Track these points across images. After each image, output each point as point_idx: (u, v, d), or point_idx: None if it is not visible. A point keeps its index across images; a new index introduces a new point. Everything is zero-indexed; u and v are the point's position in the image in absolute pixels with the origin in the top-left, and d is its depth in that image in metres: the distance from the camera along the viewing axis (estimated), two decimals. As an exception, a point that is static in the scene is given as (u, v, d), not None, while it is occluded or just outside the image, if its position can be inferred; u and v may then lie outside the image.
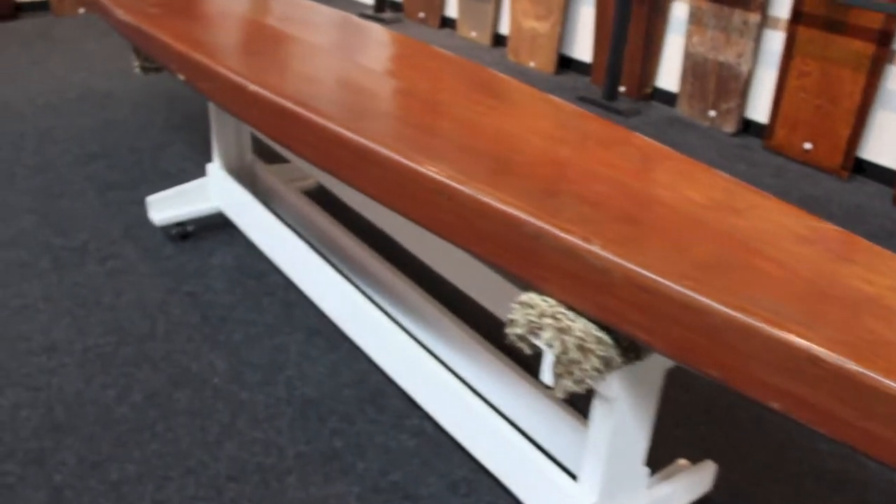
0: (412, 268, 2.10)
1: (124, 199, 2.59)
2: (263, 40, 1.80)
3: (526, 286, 1.13)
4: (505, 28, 4.43)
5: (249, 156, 2.41)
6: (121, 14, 1.98)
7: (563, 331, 1.07)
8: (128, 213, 2.51)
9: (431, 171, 1.16)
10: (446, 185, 1.14)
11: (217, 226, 2.45)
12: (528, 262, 1.09)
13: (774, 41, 3.36)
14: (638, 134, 1.43)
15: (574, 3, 4.04)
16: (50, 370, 1.82)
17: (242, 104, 1.50)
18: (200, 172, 2.75)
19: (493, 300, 1.82)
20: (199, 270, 2.22)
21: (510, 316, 1.14)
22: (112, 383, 1.79)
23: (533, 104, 1.52)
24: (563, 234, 1.03)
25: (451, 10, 4.72)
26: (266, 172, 2.40)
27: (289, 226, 2.06)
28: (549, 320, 1.09)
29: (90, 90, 3.55)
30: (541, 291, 1.10)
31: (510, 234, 1.09)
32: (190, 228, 2.38)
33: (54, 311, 2.02)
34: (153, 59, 2.22)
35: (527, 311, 1.11)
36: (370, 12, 4.91)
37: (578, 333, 1.06)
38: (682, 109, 3.74)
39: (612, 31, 3.70)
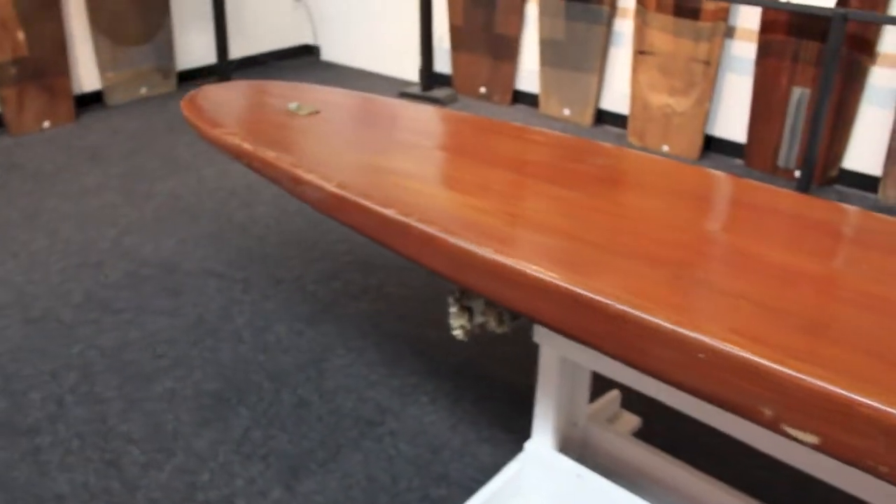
0: None
1: (329, 497, 1.53)
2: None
3: None
4: (611, 104, 3.56)
5: (584, 421, 1.42)
6: (446, 238, 0.97)
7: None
8: (352, 526, 1.46)
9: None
10: None
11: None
12: None
13: None
14: None
15: (721, 73, 3.24)
16: None
17: None
18: (420, 417, 1.70)
19: None
20: None
21: None
22: None
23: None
24: None
25: (527, 84, 3.81)
26: (606, 438, 1.41)
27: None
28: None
29: (141, 266, 2.40)
30: None
31: None
32: (510, 565, 1.36)
33: None
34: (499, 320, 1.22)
35: None
36: (413, 90, 3.93)
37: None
38: (888, 195, 3.00)
39: (808, 109, 2.92)
